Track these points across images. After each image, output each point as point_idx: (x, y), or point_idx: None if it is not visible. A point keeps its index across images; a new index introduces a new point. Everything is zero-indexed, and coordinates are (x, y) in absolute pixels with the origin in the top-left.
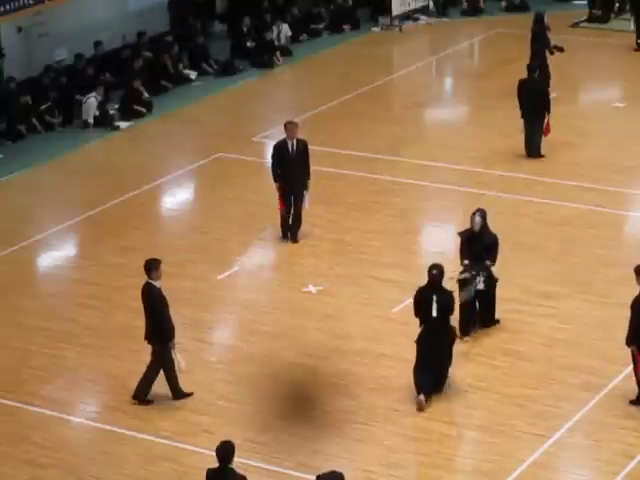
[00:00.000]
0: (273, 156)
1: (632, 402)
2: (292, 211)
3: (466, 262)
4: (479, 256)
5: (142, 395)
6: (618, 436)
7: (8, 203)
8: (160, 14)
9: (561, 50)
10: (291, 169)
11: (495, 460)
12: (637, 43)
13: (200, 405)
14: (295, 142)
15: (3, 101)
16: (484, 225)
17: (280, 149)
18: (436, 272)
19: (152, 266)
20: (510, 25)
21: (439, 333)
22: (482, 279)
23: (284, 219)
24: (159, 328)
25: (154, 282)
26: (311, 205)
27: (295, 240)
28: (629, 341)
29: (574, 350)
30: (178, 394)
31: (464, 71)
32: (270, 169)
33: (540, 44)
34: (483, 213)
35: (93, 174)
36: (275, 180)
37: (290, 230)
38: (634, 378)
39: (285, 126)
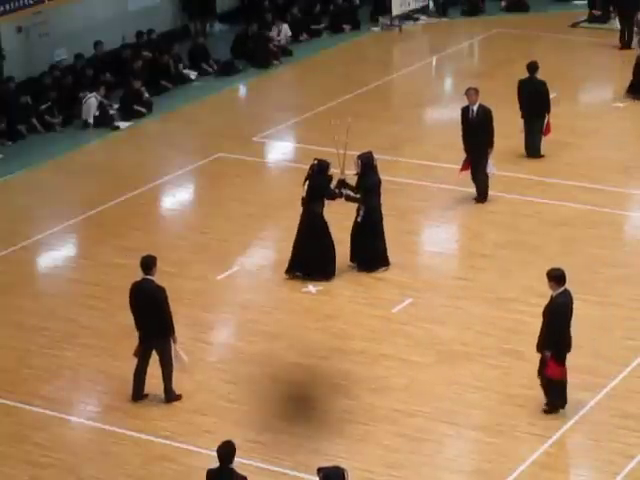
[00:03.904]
0: (461, 121)
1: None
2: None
3: None
4: None
5: (139, 394)
6: (618, 436)
7: (8, 203)
8: (161, 13)
9: None
10: (470, 134)
11: (495, 460)
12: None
13: (200, 405)
14: (476, 108)
15: (3, 101)
16: None
17: (463, 114)
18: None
19: (151, 262)
20: (510, 25)
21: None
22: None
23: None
24: (161, 323)
25: (152, 278)
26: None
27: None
28: (541, 347)
29: (574, 350)
30: (170, 395)
31: (464, 71)
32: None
33: None
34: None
35: (93, 174)
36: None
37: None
38: (541, 382)
39: (466, 92)
